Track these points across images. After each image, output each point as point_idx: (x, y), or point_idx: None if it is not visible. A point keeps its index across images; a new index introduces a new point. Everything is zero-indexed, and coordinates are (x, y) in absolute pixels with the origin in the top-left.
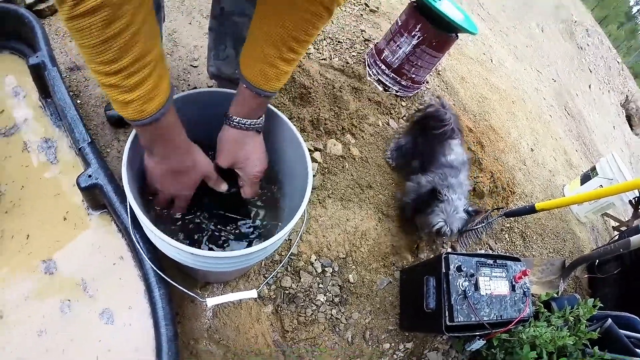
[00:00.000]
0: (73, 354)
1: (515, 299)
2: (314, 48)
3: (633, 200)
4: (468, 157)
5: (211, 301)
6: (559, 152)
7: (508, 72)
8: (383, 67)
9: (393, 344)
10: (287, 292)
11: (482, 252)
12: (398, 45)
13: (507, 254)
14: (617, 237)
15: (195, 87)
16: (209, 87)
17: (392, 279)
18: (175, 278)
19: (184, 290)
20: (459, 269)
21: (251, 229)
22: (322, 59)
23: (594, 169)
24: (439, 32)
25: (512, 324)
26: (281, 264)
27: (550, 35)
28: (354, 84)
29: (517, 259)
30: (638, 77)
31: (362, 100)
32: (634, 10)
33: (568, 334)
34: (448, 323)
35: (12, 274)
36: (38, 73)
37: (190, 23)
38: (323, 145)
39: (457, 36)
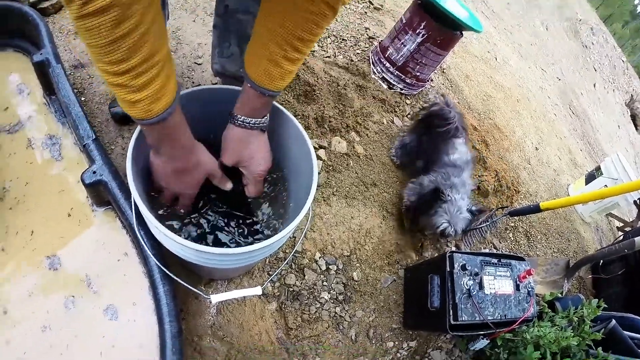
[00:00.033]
0: (77, 350)
1: (520, 298)
2: (318, 46)
3: (638, 201)
4: (472, 156)
5: (215, 298)
6: (564, 151)
7: (512, 71)
8: (387, 64)
9: (397, 343)
10: (291, 289)
11: (487, 251)
12: (402, 43)
13: (512, 253)
14: (621, 237)
15: (199, 85)
16: (213, 84)
17: (396, 277)
18: (179, 275)
19: (188, 286)
20: (463, 267)
21: (256, 226)
22: (327, 57)
23: (598, 168)
24: (444, 29)
25: (516, 323)
26: (285, 262)
27: (554, 34)
28: (359, 82)
29: (521, 259)
30: None
31: (366, 98)
32: (639, 9)
33: (572, 334)
34: (452, 322)
35: (17, 269)
36: (42, 70)
37: (194, 21)
38: (328, 143)
39: (462, 34)
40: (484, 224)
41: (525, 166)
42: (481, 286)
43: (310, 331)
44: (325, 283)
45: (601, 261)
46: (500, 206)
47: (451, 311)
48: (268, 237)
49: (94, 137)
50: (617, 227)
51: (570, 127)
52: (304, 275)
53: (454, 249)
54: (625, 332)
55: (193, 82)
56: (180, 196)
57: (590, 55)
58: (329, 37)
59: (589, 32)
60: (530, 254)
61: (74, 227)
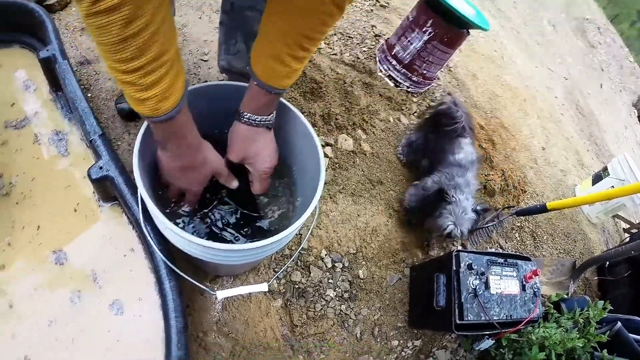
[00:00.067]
0: (82, 345)
1: (525, 298)
2: (325, 43)
3: None
4: (477, 156)
5: (221, 294)
6: (571, 151)
7: (519, 70)
8: (394, 62)
9: (402, 341)
10: (296, 286)
11: (493, 250)
12: (409, 41)
13: (518, 253)
14: (627, 239)
15: (206, 81)
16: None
17: (402, 276)
18: (185, 270)
19: (194, 282)
20: (469, 266)
21: (262, 223)
22: (333, 54)
23: (605, 169)
24: (451, 27)
25: (522, 324)
26: (292, 259)
27: (561, 33)
28: (365, 80)
29: (527, 259)
30: None
31: (373, 95)
32: None
33: (577, 336)
34: (458, 321)
35: (23, 264)
36: (49, 66)
37: (200, 17)
38: (334, 140)
39: (469, 32)
40: (491, 224)
41: (532, 166)
42: (487, 286)
43: (315, 328)
44: (330, 281)
45: (607, 263)
46: (506, 206)
47: (457, 310)
48: (274, 234)
49: (100, 132)
50: (623, 228)
51: (577, 128)
52: (310, 273)
53: (460, 248)
54: (630, 334)
55: (199, 79)
56: (186, 192)
57: (597, 55)
58: (335, 34)
59: (596, 32)
60: (536, 254)
61: (80, 223)
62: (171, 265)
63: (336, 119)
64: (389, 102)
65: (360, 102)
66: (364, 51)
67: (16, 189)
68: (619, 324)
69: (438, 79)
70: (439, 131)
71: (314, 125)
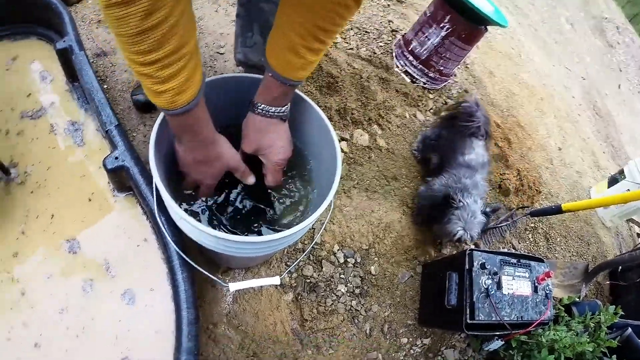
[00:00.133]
0: (93, 333)
1: (537, 300)
2: (341, 37)
3: None
4: (488, 159)
5: (233, 286)
6: (587, 152)
7: (537, 68)
8: (411, 58)
9: (411, 339)
10: (308, 281)
11: (506, 250)
12: (426, 37)
13: (531, 254)
14: None
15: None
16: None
17: (414, 273)
18: (197, 262)
19: (207, 274)
20: (482, 266)
21: (276, 216)
22: (349, 49)
23: (622, 172)
24: (469, 24)
25: (533, 326)
26: (305, 253)
27: (579, 32)
28: (382, 75)
29: (540, 260)
30: None
31: (389, 91)
32: None
33: (587, 340)
34: (468, 321)
35: (36, 252)
36: (65, 57)
37: (216, 10)
38: (350, 135)
39: (487, 29)
40: (504, 224)
41: (548, 166)
42: (499, 286)
43: (325, 323)
44: (342, 276)
45: (620, 267)
46: (520, 206)
47: (468, 310)
48: (287, 227)
49: (116, 123)
50: (637, 233)
51: (594, 128)
52: (322, 267)
53: (473, 246)
54: None
55: (215, 72)
56: (200, 185)
57: (615, 55)
58: (351, 29)
59: (614, 31)
60: (549, 256)
61: (94, 212)
62: (184, 257)
63: (352, 114)
64: (405, 98)
65: (377, 98)
66: (381, 46)
67: (31, 178)
68: (630, 329)
69: (455, 75)
70: (453, 128)
71: (329, 119)
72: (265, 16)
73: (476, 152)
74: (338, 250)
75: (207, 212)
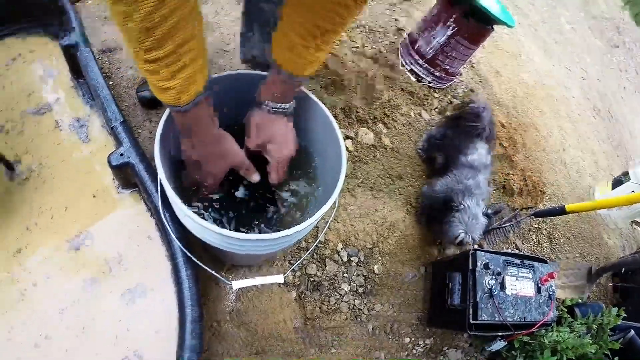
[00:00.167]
0: (96, 330)
1: (540, 301)
2: (347, 36)
3: None
4: (491, 160)
5: (237, 284)
6: (590, 153)
7: (538, 68)
8: (416, 57)
9: (413, 339)
10: (311, 279)
11: (509, 251)
12: (432, 36)
13: (535, 255)
14: None
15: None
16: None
17: (417, 273)
18: (201, 260)
19: (211, 271)
20: (486, 266)
21: (280, 214)
22: (355, 47)
23: (626, 173)
24: (475, 23)
25: (536, 326)
26: (309, 251)
27: (580, 32)
28: (387, 73)
29: (544, 261)
30: None
31: (394, 89)
32: None
33: (590, 342)
34: (472, 321)
35: (40, 249)
36: (71, 54)
37: (222, 7)
38: (354, 134)
39: (493, 28)
40: (508, 224)
41: (552, 167)
42: (503, 286)
43: (328, 322)
44: (346, 275)
45: (624, 269)
46: (524, 206)
47: (471, 310)
48: (292, 225)
49: (122, 119)
50: None
51: (597, 129)
52: (325, 266)
53: (476, 247)
54: None
55: (221, 69)
56: (205, 181)
57: (616, 55)
58: (357, 27)
59: (615, 32)
60: (552, 257)
61: (98, 209)
62: (188, 254)
63: (357, 112)
64: (411, 96)
65: (382, 96)
66: (386, 45)
67: (36, 175)
68: (633, 332)
69: (460, 74)
70: (458, 128)
71: (334, 118)
72: (266, 16)
73: (479, 152)
74: (342, 249)
75: (210, 209)
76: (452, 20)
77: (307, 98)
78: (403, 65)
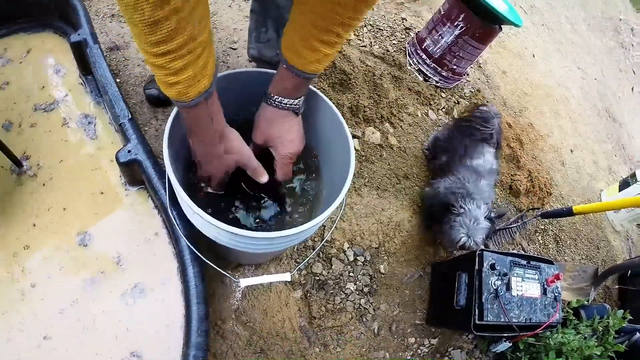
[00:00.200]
0: (103, 325)
1: (546, 302)
2: (355, 35)
3: None
4: (497, 167)
5: (244, 282)
6: (599, 155)
7: (550, 69)
8: (424, 56)
9: (418, 339)
10: (317, 278)
11: (515, 252)
12: (440, 35)
13: (541, 256)
14: None
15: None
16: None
17: (423, 273)
18: (207, 258)
19: (218, 269)
20: (492, 267)
21: (287, 212)
22: (363, 46)
23: (633, 175)
24: (483, 23)
25: (541, 328)
26: (315, 250)
27: (595, 33)
28: (394, 73)
29: (550, 262)
30: None
31: (402, 89)
32: None
33: (595, 344)
34: (477, 321)
35: (47, 245)
36: (79, 51)
37: (230, 6)
38: (361, 133)
39: (501, 28)
40: (514, 225)
41: (559, 168)
42: (509, 287)
43: (333, 321)
44: (351, 274)
45: (629, 272)
46: (531, 207)
47: (477, 310)
48: (297, 223)
49: (129, 116)
50: None
51: (607, 131)
52: (331, 265)
53: (482, 247)
54: None
55: (228, 67)
56: (211, 178)
57: (630, 57)
58: (365, 26)
59: (629, 33)
60: (558, 258)
61: (106, 205)
62: (196, 252)
63: (364, 112)
64: (418, 96)
65: (389, 95)
66: (394, 44)
67: (43, 171)
68: (638, 334)
69: (467, 74)
70: (466, 131)
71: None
72: (280, 12)
73: (485, 158)
74: (348, 248)
75: (217, 207)
76: (460, 19)
77: (315, 96)
78: (410, 65)
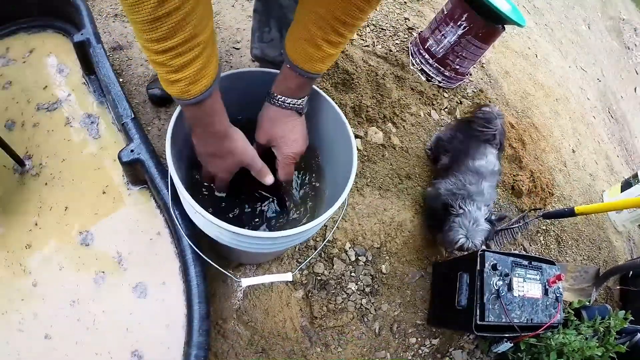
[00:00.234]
0: (103, 326)
1: (547, 303)
2: (357, 34)
3: None
4: (499, 169)
5: (246, 281)
6: (601, 155)
7: (553, 69)
8: (427, 56)
9: (419, 339)
10: (319, 278)
11: (517, 252)
12: (443, 35)
13: (543, 257)
14: None
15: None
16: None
17: (425, 273)
18: (209, 257)
19: (221, 269)
20: (494, 267)
21: (289, 211)
22: (365, 46)
23: (635, 176)
24: (486, 22)
25: (542, 328)
26: (317, 250)
27: (596, 33)
28: (397, 72)
29: (552, 263)
30: None
31: (404, 89)
32: None
33: (596, 344)
34: (478, 322)
35: (49, 244)
36: (82, 50)
37: (233, 5)
38: (364, 133)
39: (504, 28)
40: (516, 225)
41: (561, 168)
42: (510, 287)
43: (334, 321)
44: (353, 274)
45: (631, 272)
46: (533, 208)
47: (478, 311)
48: (298, 223)
49: (132, 116)
50: None
51: (609, 132)
52: (333, 265)
53: (484, 247)
54: None
55: (231, 67)
56: (215, 178)
57: (632, 57)
58: (368, 26)
59: (631, 33)
60: (560, 259)
61: (108, 205)
62: (198, 251)
63: (367, 111)
64: (421, 96)
65: (392, 95)
66: (397, 44)
67: (46, 170)
68: (639, 335)
69: (470, 74)
70: (468, 132)
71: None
72: (283, 12)
73: (487, 159)
74: (350, 248)
75: (218, 207)
76: (463, 19)
77: (317, 95)
78: (413, 65)
